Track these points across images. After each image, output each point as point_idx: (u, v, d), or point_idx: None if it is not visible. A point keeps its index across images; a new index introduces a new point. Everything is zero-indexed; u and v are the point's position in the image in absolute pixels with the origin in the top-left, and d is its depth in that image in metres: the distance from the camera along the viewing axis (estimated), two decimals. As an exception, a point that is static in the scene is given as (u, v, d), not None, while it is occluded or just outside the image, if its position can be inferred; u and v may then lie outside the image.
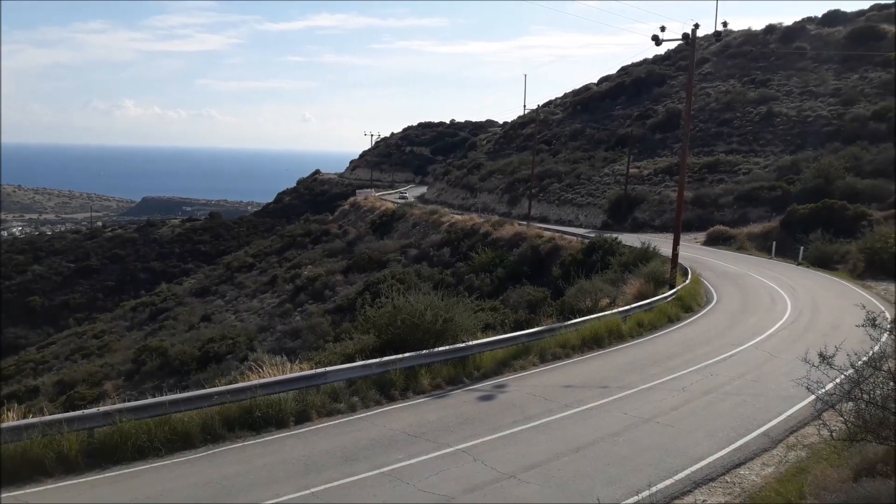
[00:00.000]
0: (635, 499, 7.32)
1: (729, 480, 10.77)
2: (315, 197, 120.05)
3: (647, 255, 31.55)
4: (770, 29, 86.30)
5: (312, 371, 14.67)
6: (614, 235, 39.63)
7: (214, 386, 14.32)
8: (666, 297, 24.57)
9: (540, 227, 51.79)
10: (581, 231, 50.56)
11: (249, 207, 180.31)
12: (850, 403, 7.60)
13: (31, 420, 11.63)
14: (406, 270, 43.09)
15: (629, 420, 13.45)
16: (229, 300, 57.26)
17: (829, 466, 8.41)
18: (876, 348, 8.21)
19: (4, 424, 11.26)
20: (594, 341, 19.86)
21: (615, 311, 22.21)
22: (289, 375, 14.27)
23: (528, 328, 20.23)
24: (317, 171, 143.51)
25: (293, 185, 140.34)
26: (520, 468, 11.14)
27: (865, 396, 7.33)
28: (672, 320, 23.12)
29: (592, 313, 22.00)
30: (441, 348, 16.61)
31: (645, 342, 20.59)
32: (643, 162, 67.21)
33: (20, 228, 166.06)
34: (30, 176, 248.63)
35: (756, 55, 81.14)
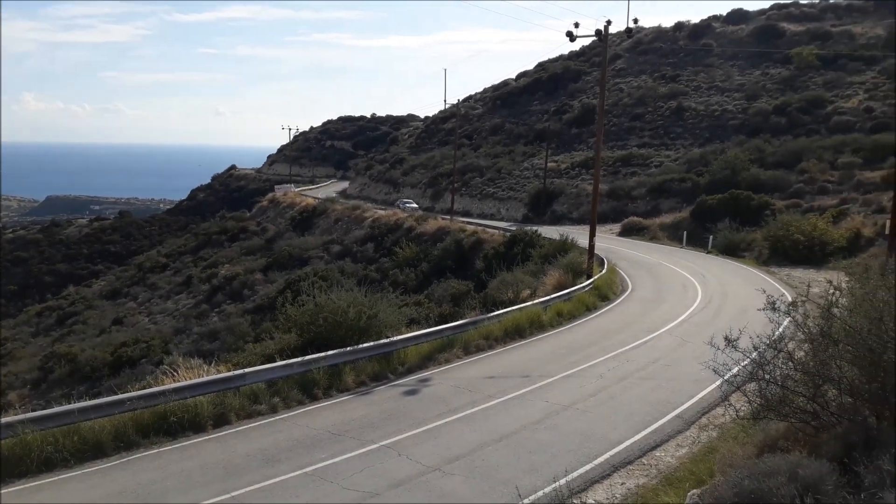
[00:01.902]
0: (555, 485, 7.48)
1: (646, 462, 11.17)
2: (231, 193, 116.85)
3: (565, 246, 32.32)
4: (679, 26, 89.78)
5: (231, 373, 14.28)
6: (534, 228, 40.43)
7: (127, 392, 13.71)
8: (584, 287, 25.24)
9: (463, 221, 52.22)
10: (503, 224, 51.26)
11: (162, 205, 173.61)
12: (754, 384, 8.02)
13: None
14: (329, 267, 42.57)
15: (550, 408, 13.74)
16: (142, 302, 55.07)
17: (736, 444, 8.86)
18: (778, 331, 8.67)
19: None
20: (516, 332, 20.19)
21: (536, 301, 22.64)
22: (205, 378, 13.84)
23: (452, 321, 20.36)
24: (232, 167, 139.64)
25: (208, 181, 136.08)
26: (444, 461, 11.21)
27: (767, 377, 7.76)
28: (590, 309, 23.76)
29: (514, 304, 22.36)
30: (365, 345, 16.49)
31: (564, 331, 21.08)
32: (560, 156, 68.78)
33: None
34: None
35: (666, 52, 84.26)
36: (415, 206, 64.91)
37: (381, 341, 16.91)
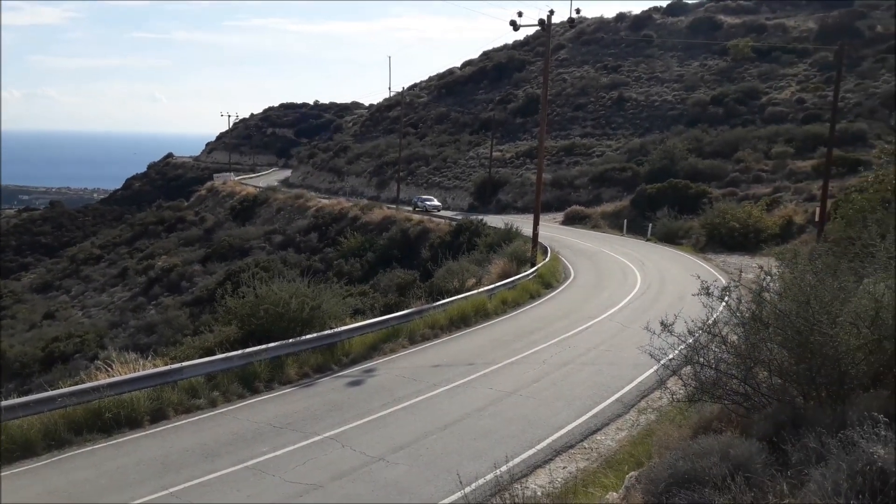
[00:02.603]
0: (496, 472, 7.54)
1: (587, 446, 11.38)
2: (168, 182, 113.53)
3: (510, 235, 32.62)
4: (621, 17, 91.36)
5: (168, 367, 13.90)
6: (480, 217, 40.65)
7: (59, 388, 13.19)
8: (528, 275, 25.51)
9: (409, 211, 52.08)
10: (449, 213, 51.36)
11: (95, 195, 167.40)
12: (689, 367, 8.24)
13: None
14: (271, 258, 41.87)
15: (494, 394, 13.86)
16: (75, 295, 53.12)
17: (673, 427, 9.10)
18: (714, 316, 8.92)
19: None
20: (461, 320, 20.28)
21: (481, 290, 22.78)
22: (142, 373, 13.45)
23: (397, 311, 20.30)
24: (169, 155, 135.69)
25: (143, 169, 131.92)
26: (388, 450, 11.18)
27: (701, 360, 7.98)
28: (534, 297, 24.03)
29: (460, 293, 22.44)
30: (308, 336, 16.29)
31: (509, 319, 21.28)
32: (505, 145, 69.26)
33: None
34: None
35: (608, 42, 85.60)
36: (437, 203, 53.12)
37: (325, 332, 16.74)
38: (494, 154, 62.45)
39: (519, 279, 24.74)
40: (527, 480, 9.63)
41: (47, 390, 13.15)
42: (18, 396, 12.62)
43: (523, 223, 35.37)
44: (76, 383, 13.80)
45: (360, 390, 14.66)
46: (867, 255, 9.70)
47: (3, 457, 10.92)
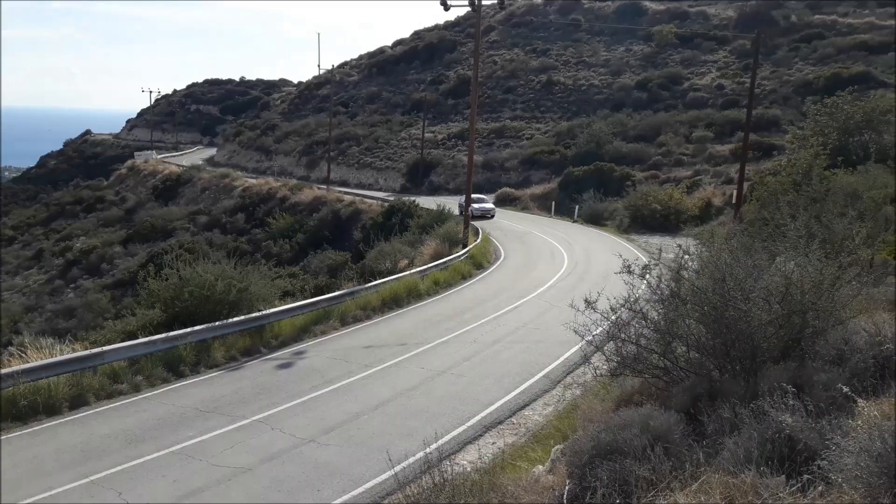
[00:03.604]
0: (426, 451, 7.64)
1: (515, 422, 11.64)
2: (86, 160, 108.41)
3: (442, 216, 32.77)
4: (550, 1, 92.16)
5: (87, 352, 13.40)
6: (413, 198, 40.57)
7: (-34, 376, 12.52)
8: (459, 256, 25.73)
9: (340, 191, 51.50)
10: (381, 195, 51.04)
11: (7, 173, 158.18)
12: (612, 343, 8.54)
13: None
14: (195, 239, 40.67)
15: (426, 374, 13.97)
16: (-14, 279, 50.28)
17: (597, 401, 9.42)
18: (636, 293, 9.25)
19: None
20: (394, 301, 20.30)
21: (413, 271, 22.83)
22: (59, 358, 12.91)
23: (328, 293, 20.15)
24: (87, 132, 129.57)
25: (59, 147, 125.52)
26: (319, 432, 11.14)
27: (623, 336, 8.28)
28: (465, 277, 24.26)
29: (392, 274, 22.45)
30: (235, 319, 15.98)
31: (441, 299, 21.43)
32: (437, 126, 69.22)
33: None
34: None
35: (537, 26, 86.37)
36: (490, 206, 41.72)
37: (253, 315, 16.47)
38: (426, 135, 62.34)
39: (451, 260, 24.91)
40: (457, 457, 9.79)
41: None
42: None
43: (455, 205, 35.54)
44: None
45: (290, 373, 14.52)
46: (779, 235, 10.22)
47: None
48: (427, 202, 38.85)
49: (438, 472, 6.53)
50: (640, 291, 9.24)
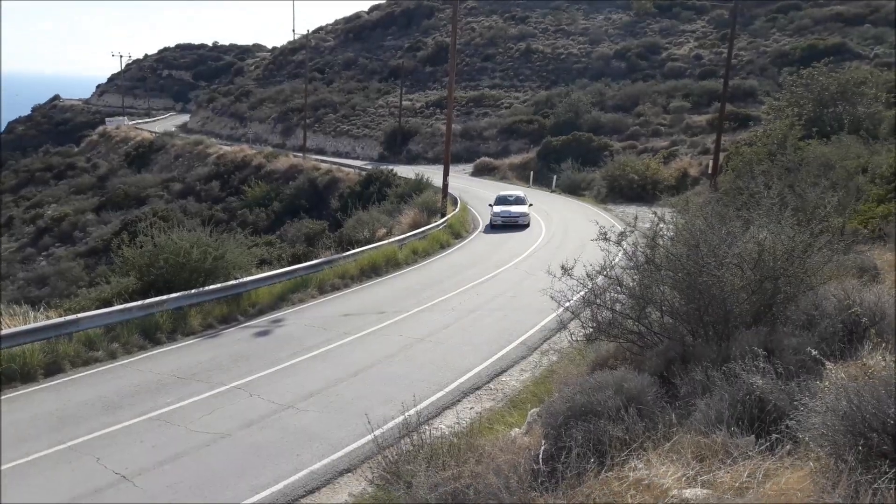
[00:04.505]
0: (405, 415, 7.74)
1: (493, 387, 11.80)
2: (56, 126, 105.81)
3: (420, 186, 32.70)
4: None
5: (62, 319, 13.28)
6: (390, 167, 40.40)
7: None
8: (438, 226, 25.75)
9: (317, 160, 51.04)
10: (358, 163, 50.67)
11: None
12: (587, 309, 8.66)
13: None
14: (169, 207, 40.18)
15: (405, 341, 14.06)
16: (-46, 246, 49.30)
17: (572, 365, 9.59)
18: (612, 261, 9.36)
19: None
20: (372, 270, 20.32)
21: (392, 240, 22.84)
22: (33, 325, 12.80)
23: (306, 261, 20.10)
24: (56, 97, 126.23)
25: (27, 112, 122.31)
26: (298, 398, 11.20)
27: (598, 302, 8.40)
28: (444, 246, 24.31)
29: (370, 243, 22.44)
30: (211, 287, 15.90)
31: (419, 268, 21.49)
32: (415, 94, 68.58)
33: None
34: None
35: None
36: (523, 210, 28.81)
37: (229, 283, 16.41)
38: (404, 103, 61.77)
39: (429, 229, 24.92)
40: (435, 422, 9.91)
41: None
42: None
43: (433, 174, 35.42)
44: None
45: (268, 340, 14.53)
46: (754, 204, 10.37)
47: None
48: (405, 171, 38.67)
49: (417, 434, 6.62)
50: (616, 259, 9.35)
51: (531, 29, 75.50)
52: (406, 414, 7.56)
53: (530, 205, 29.48)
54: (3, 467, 8.95)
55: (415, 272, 21.05)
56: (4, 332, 12.33)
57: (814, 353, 5.98)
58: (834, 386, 5.10)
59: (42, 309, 15.18)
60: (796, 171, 16.15)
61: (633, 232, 9.12)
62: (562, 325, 10.19)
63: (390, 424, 9.22)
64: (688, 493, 4.68)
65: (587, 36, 71.38)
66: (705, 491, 4.69)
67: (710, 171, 32.18)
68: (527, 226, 27.66)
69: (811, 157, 18.62)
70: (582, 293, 9.00)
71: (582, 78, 61.61)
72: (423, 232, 24.57)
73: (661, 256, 8.38)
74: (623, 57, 63.70)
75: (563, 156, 43.03)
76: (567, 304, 8.94)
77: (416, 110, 64.16)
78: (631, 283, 8.49)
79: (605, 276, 8.70)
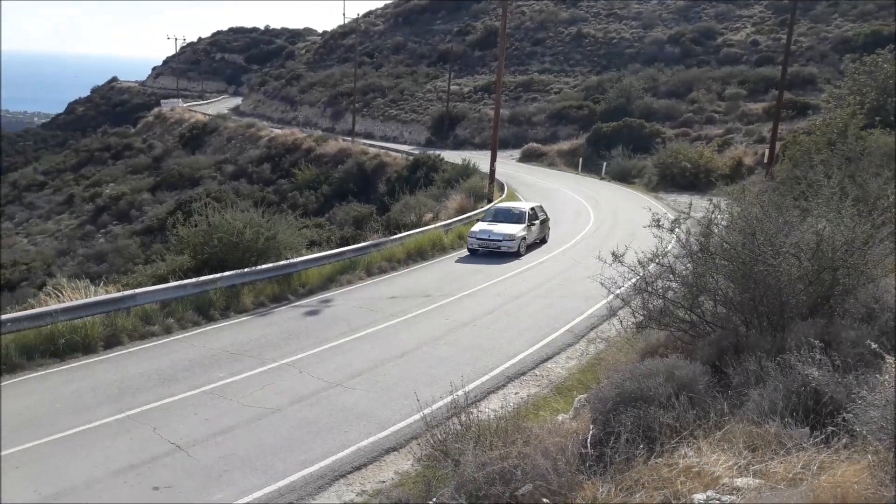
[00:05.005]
0: (453, 396, 7.83)
1: (538, 374, 11.81)
2: (114, 107, 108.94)
3: (467, 171, 32.68)
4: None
5: (121, 293, 13.76)
6: (437, 152, 40.44)
7: (7, 312, 12.94)
8: (485, 211, 25.65)
9: (365, 144, 51.39)
10: (406, 148, 50.87)
11: (36, 119, 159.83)
12: (639, 297, 8.58)
13: None
14: (222, 188, 41.05)
15: (450, 325, 14.16)
16: (19, 222, 51.35)
17: (621, 353, 9.52)
18: (664, 247, 9.25)
19: None
20: (418, 254, 20.47)
21: (438, 224, 22.93)
22: (94, 298, 13.29)
23: (354, 244, 20.36)
24: (114, 79, 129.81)
25: (87, 93, 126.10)
26: (346, 376, 11.41)
27: (650, 290, 8.32)
28: (490, 232, 24.24)
29: (417, 228, 22.58)
30: (263, 266, 16.26)
31: (465, 253, 21.51)
32: (463, 79, 68.31)
33: None
34: None
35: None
36: (512, 232, 20.98)
37: (280, 262, 16.72)
38: (452, 88, 61.59)
39: (476, 215, 24.90)
40: (480, 405, 9.98)
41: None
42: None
43: (480, 159, 35.35)
44: (25, 309, 13.57)
45: (317, 320, 14.79)
46: (812, 193, 10.09)
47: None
48: (452, 156, 38.68)
49: (465, 414, 6.69)
50: (668, 246, 9.23)
51: (583, 13, 74.32)
52: (454, 395, 7.64)
53: (545, 219, 22.63)
54: (68, 432, 9.37)
55: (461, 257, 21.10)
56: (68, 304, 12.84)
57: (873, 346, 5.82)
58: (894, 380, 4.97)
59: (102, 284, 15.72)
60: (857, 161, 15.61)
61: (687, 219, 8.98)
62: (611, 312, 10.12)
63: (437, 405, 9.32)
64: (739, 481, 4.64)
65: (640, 20, 69.93)
66: (757, 481, 4.65)
67: (766, 161, 31.32)
68: (515, 253, 20.37)
69: (873, 146, 17.98)
70: (633, 281, 8.92)
71: (634, 63, 60.46)
72: (469, 217, 24.58)
73: (715, 245, 8.24)
74: (677, 42, 62.26)
75: (613, 142, 42.41)
76: (617, 291, 8.87)
77: (463, 95, 63.95)
78: (684, 272, 8.38)
79: (658, 263, 8.60)
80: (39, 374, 11.49)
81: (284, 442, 9.24)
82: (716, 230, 8.87)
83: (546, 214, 22.94)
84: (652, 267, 8.80)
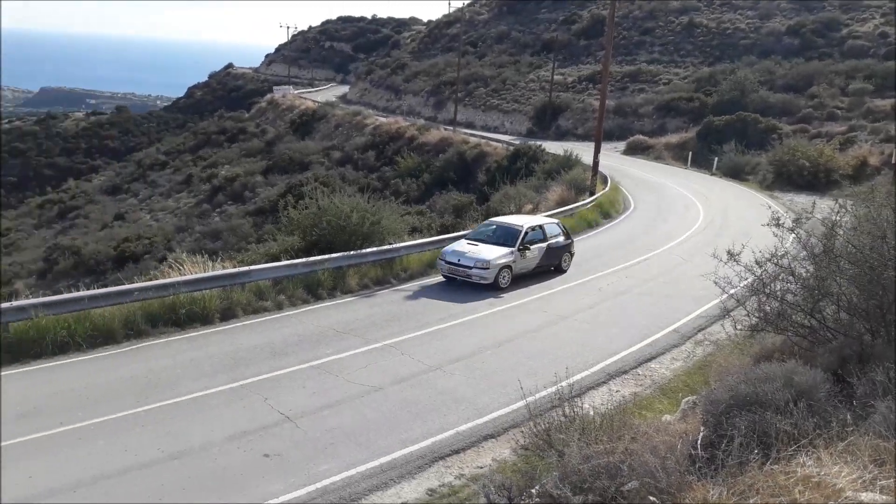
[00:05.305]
0: (554, 389, 7.82)
1: (640, 373, 11.59)
2: (229, 92, 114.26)
3: (569, 162, 32.21)
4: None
5: (237, 269, 14.54)
6: (539, 143, 40.07)
7: (135, 283, 13.99)
8: (586, 204, 25.33)
9: (466, 133, 51.62)
10: (506, 138, 50.70)
11: (159, 102, 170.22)
12: (754, 298, 8.24)
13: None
14: (329, 173, 42.41)
15: (548, 318, 14.10)
16: (143, 199, 55.03)
17: (732, 356, 9.19)
18: (782, 249, 8.83)
19: None
20: (518, 244, 20.34)
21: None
22: (213, 273, 14.11)
23: (453, 232, 20.56)
24: (230, 65, 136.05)
25: (204, 78, 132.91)
26: (445, 361, 11.61)
27: (767, 291, 7.97)
28: (592, 226, 23.90)
29: (516, 217, 22.48)
30: (368, 249, 16.72)
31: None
32: (567, 69, 67.23)
33: None
34: None
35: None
36: (487, 258, 16.05)
37: (384, 247, 17.14)
38: (556, 77, 60.79)
39: (577, 207, 24.60)
40: (579, 400, 9.91)
41: (124, 284, 13.98)
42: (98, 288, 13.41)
43: (583, 151, 34.79)
44: (151, 279, 14.60)
45: (418, 304, 15.10)
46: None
47: (86, 342, 11.75)
48: (553, 147, 38.22)
49: (570, 406, 6.68)
50: (787, 246, 8.81)
51: (694, 2, 71.33)
52: (558, 385, 7.63)
53: (568, 241, 17.96)
54: (187, 396, 10.04)
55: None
56: (189, 277, 13.71)
57: None
58: None
59: (219, 259, 16.65)
60: None
61: (809, 219, 8.54)
62: (724, 313, 9.78)
63: (538, 395, 9.34)
64: (864, 496, 4.43)
65: (756, 10, 66.41)
66: (885, 497, 4.42)
67: (893, 162, 29.18)
68: (491, 284, 15.87)
69: None
70: (748, 281, 8.58)
71: (749, 55, 57.53)
72: (570, 210, 24.28)
73: (840, 247, 7.80)
74: (796, 33, 58.74)
75: (725, 137, 40.62)
76: (731, 291, 8.56)
77: (567, 85, 62.97)
78: (804, 274, 7.98)
79: (776, 264, 8.23)
80: (162, 340, 12.34)
81: (386, 420, 9.53)
82: (840, 232, 8.40)
83: (567, 236, 18.07)
84: (769, 267, 8.43)
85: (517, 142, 44.77)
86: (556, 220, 18.80)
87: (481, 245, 16.58)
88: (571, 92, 61.37)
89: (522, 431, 8.04)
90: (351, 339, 12.50)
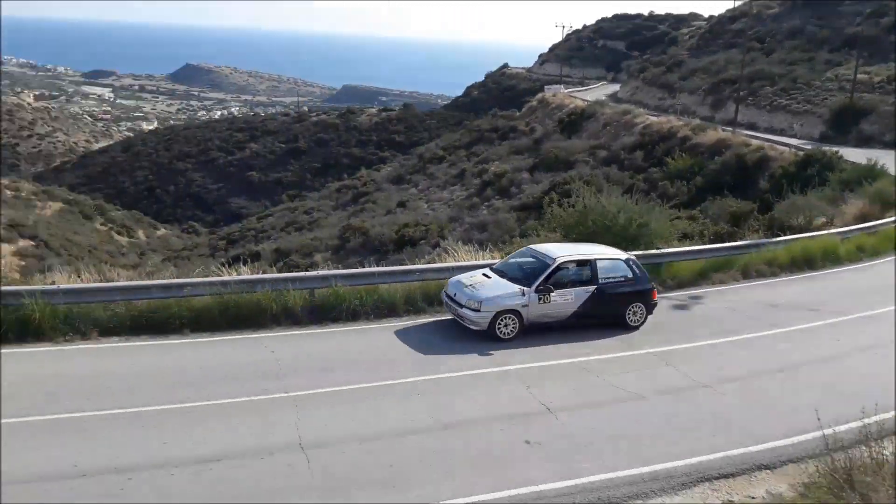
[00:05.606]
0: (858, 423, 6.89)
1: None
2: (503, 92, 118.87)
3: (873, 173, 28.21)
4: None
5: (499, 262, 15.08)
6: (834, 149, 35.67)
7: (416, 264, 15.26)
8: (893, 221, 21.98)
9: (747, 135, 47.78)
10: (795, 142, 45.88)
11: (439, 100, 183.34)
12: None
13: (261, 276, 13.22)
14: (594, 172, 42.04)
15: (843, 347, 12.52)
16: (422, 189, 59.61)
17: None
18: None
19: (242, 277, 12.96)
20: (805, 261, 18.37)
21: (832, 231, 20.36)
22: (482, 262, 14.81)
23: (729, 241, 19.24)
24: (505, 65, 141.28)
25: (481, 78, 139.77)
26: (715, 380, 10.89)
27: None
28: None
29: (805, 232, 20.35)
30: (635, 252, 16.26)
31: (865, 268, 18.73)
32: (875, 67, 58.69)
33: (237, 108, 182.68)
34: (239, 59, 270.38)
35: None
36: (487, 295, 12.28)
37: (651, 251, 16.55)
38: (859, 76, 53.48)
39: (882, 224, 21.48)
40: (883, 444, 8.64)
41: (406, 265, 15.32)
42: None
43: (891, 161, 30.32)
44: (429, 262, 15.81)
45: (686, 315, 14.38)
46: None
47: (374, 312, 13.08)
48: (853, 154, 33.78)
49: (877, 446, 5.83)
50: None
51: None
52: (864, 421, 6.73)
53: (639, 288, 13.26)
54: (453, 375, 10.68)
55: (858, 272, 18.40)
56: (462, 263, 14.57)
57: None
58: None
59: (488, 250, 17.40)
60: None
61: None
62: None
63: (828, 431, 8.32)
64: None
65: None
66: None
67: None
68: (486, 330, 12.15)
69: None
70: None
71: None
72: (872, 227, 21.26)
73: None
74: None
75: None
76: None
77: (873, 85, 54.98)
78: None
79: None
80: (436, 319, 13.30)
81: (648, 429, 9.23)
82: None
83: (639, 280, 13.31)
84: None
85: (808, 146, 40.33)
86: (625, 257, 13.70)
87: (496, 278, 12.81)
88: (878, 93, 53.50)
89: (816, 466, 7.22)
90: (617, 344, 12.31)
